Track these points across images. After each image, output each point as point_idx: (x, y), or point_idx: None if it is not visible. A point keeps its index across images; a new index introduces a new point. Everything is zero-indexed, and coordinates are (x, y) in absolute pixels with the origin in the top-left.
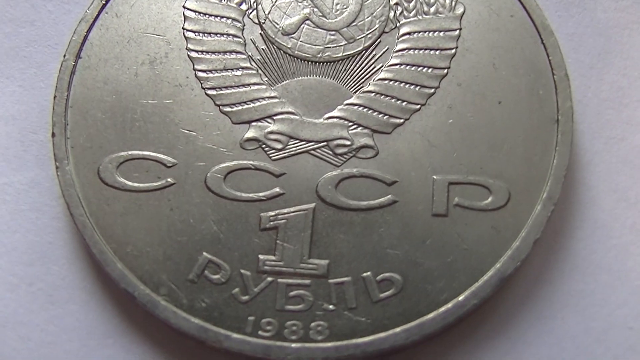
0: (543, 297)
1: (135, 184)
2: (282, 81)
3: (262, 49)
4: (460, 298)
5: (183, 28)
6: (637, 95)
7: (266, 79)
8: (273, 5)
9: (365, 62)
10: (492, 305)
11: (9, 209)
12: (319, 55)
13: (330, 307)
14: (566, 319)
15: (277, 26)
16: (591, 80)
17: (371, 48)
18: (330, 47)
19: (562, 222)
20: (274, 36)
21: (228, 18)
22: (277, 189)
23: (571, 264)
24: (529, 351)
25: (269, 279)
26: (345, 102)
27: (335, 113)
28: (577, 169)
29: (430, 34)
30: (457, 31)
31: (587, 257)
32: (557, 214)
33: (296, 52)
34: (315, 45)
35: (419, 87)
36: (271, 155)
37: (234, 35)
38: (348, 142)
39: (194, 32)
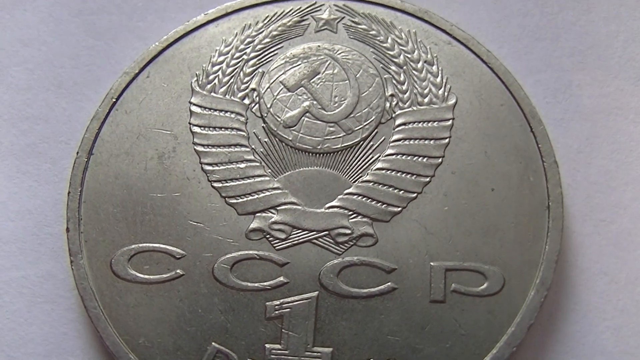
0: None
1: (146, 276)
2: (285, 172)
3: (265, 141)
4: None
5: (189, 123)
6: (624, 178)
7: (269, 170)
8: (274, 99)
9: (363, 152)
10: None
11: (25, 302)
12: (318, 147)
13: None
14: None
15: (279, 119)
16: (580, 164)
17: (368, 139)
18: (329, 138)
19: (555, 305)
20: (275, 129)
21: (232, 112)
22: (281, 278)
23: (565, 346)
24: None
25: None
26: (345, 191)
27: (335, 203)
28: (568, 252)
29: (425, 124)
30: (450, 121)
31: (580, 339)
32: (551, 298)
33: (297, 144)
34: (315, 137)
35: (415, 176)
36: (275, 245)
37: (238, 129)
38: (348, 231)
39: (200, 126)
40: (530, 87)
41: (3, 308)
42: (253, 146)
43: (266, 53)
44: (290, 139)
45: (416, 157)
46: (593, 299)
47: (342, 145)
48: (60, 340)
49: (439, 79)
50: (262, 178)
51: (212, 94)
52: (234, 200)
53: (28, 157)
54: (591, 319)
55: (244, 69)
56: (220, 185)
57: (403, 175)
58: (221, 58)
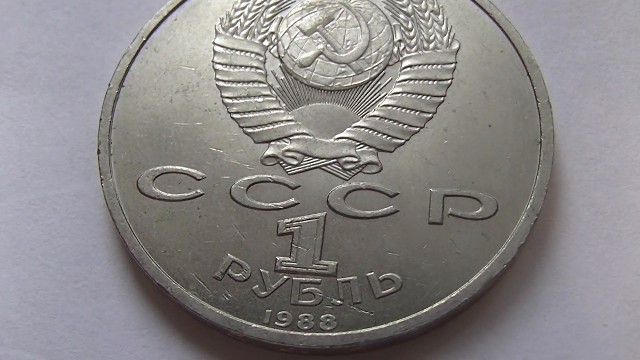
0: (528, 298)
1: (169, 194)
2: (298, 107)
3: (281, 79)
4: (453, 295)
5: (212, 61)
6: (613, 122)
7: (284, 104)
8: (291, 42)
9: (372, 90)
10: (482, 304)
11: (59, 217)
12: (330, 85)
13: (338, 302)
14: (548, 317)
15: (295, 60)
16: (572, 108)
17: (377, 79)
18: (340, 77)
19: (545, 232)
20: (291, 68)
21: (252, 52)
22: (292, 199)
23: (553, 269)
24: (515, 345)
25: (285, 277)
26: (354, 124)
27: (344, 134)
28: (559, 186)
29: (429, 66)
30: (453, 64)
31: (567, 263)
32: (541, 225)
33: (311, 82)
34: (327, 76)
35: (418, 112)
36: (288, 170)
37: (257, 68)
38: (355, 159)
39: (222, 64)
40: (529, 38)
41: (39, 222)
42: (270, 83)
43: (285, 0)
44: (304, 77)
45: (420, 96)
46: (579, 228)
47: (352, 83)
48: (89, 251)
49: (444, 27)
50: (278, 111)
51: (234, 36)
52: (250, 130)
53: (64, 91)
54: (577, 245)
55: (264, 14)
56: (239, 116)
57: (407, 111)
58: (243, 4)
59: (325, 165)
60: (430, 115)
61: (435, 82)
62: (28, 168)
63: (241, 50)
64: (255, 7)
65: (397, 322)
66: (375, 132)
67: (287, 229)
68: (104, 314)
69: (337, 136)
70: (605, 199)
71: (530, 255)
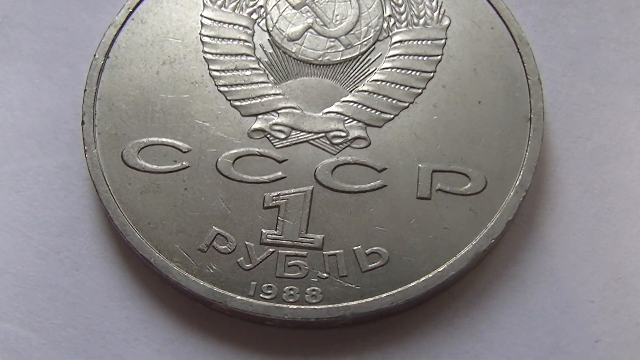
0: (515, 274)
1: (154, 166)
2: (286, 80)
3: (270, 52)
4: (440, 269)
5: (200, 33)
6: (603, 100)
7: (272, 78)
8: (280, 15)
9: (361, 65)
10: (469, 280)
11: (42, 189)
12: (319, 59)
13: (324, 275)
14: (535, 293)
15: (283, 33)
16: (562, 86)
17: (366, 53)
18: (329, 52)
19: (533, 209)
20: (280, 42)
21: (240, 26)
22: (279, 173)
23: (541, 245)
24: (502, 320)
25: (270, 249)
26: (342, 99)
27: (333, 108)
28: (548, 163)
29: (419, 42)
30: (443, 40)
31: (555, 239)
32: (529, 202)
33: (299, 55)
34: (316, 50)
35: (407, 87)
36: (275, 144)
37: (245, 41)
38: (344, 134)
39: (210, 37)
40: (520, 16)
41: (21, 193)
42: (258, 56)
43: None
44: (293, 50)
45: (410, 71)
46: (568, 205)
47: (342, 58)
48: (72, 223)
49: (434, 3)
50: (265, 84)
51: (222, 8)
52: (238, 103)
53: (48, 62)
54: (565, 222)
55: None
56: (226, 89)
57: (397, 86)
58: None
59: (313, 139)
60: (419, 90)
61: (425, 58)
62: (10, 139)
63: (229, 23)
64: None
65: (384, 295)
66: (364, 107)
67: (274, 202)
68: (86, 286)
69: (325, 110)
70: (594, 177)
71: (518, 232)
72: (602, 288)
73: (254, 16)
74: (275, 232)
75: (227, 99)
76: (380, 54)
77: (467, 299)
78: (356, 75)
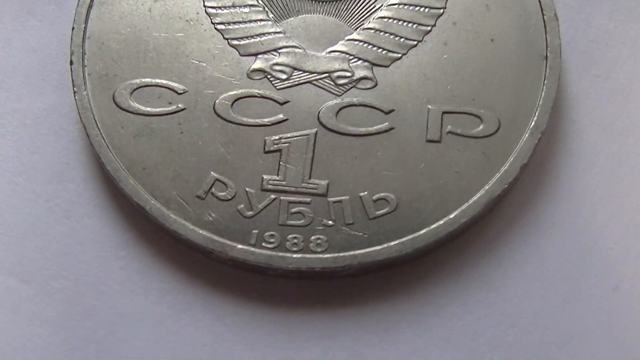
0: (529, 220)
1: (148, 109)
2: (287, 18)
3: None
4: (451, 216)
5: None
6: (622, 38)
7: (272, 15)
8: None
9: (366, 1)
10: (481, 227)
11: (29, 133)
12: None
13: (329, 222)
14: (550, 240)
15: None
16: (579, 23)
17: None
18: None
19: (549, 151)
20: None
21: None
22: (281, 116)
23: (556, 190)
24: (515, 269)
25: (272, 196)
26: (347, 37)
27: (337, 47)
28: (564, 104)
29: None
30: None
31: (571, 183)
32: (545, 144)
33: None
34: None
35: (416, 25)
36: (276, 85)
37: None
38: (349, 74)
39: None
40: None
41: (6, 137)
42: None
43: None
44: None
45: (418, 7)
46: (585, 147)
47: None
48: (62, 169)
49: None
50: (265, 22)
51: None
52: (236, 42)
53: None
54: (582, 165)
55: None
56: (223, 27)
57: (404, 23)
58: None
59: (316, 80)
60: (428, 28)
61: None
62: None
63: None
64: None
65: (392, 243)
66: (370, 46)
67: (275, 146)
68: (78, 235)
69: (329, 49)
70: (613, 118)
71: (532, 176)
72: (620, 234)
73: None
74: (277, 178)
75: (224, 37)
76: None
77: (479, 247)
78: (361, 12)
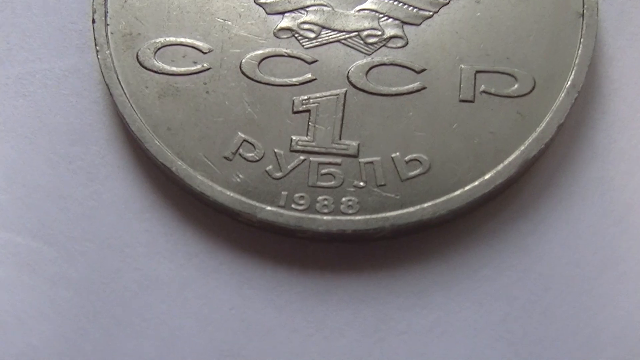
0: (565, 183)
1: (173, 68)
2: None
3: None
4: (486, 177)
5: None
6: None
7: None
8: None
9: None
10: (515, 189)
11: (50, 93)
12: None
13: (361, 184)
14: (586, 203)
15: None
16: None
17: None
18: None
19: (585, 111)
20: None
21: None
22: (309, 75)
23: (592, 152)
24: (551, 233)
25: (302, 157)
26: None
27: (366, 5)
28: (600, 63)
29: None
30: None
31: (607, 145)
32: (581, 104)
33: None
34: None
35: None
36: (304, 43)
37: None
38: (378, 32)
39: None
40: None
41: (27, 98)
42: None
43: None
44: None
45: None
46: (622, 108)
47: None
48: (84, 131)
49: None
50: None
51: None
52: (262, 0)
53: None
54: (619, 126)
55: None
56: None
57: None
58: None
59: (345, 38)
60: None
61: None
62: (14, 40)
63: None
64: None
65: (425, 205)
66: (401, 4)
67: (304, 106)
68: (102, 197)
69: (358, 8)
70: None
71: (568, 137)
72: None
73: None
74: (307, 139)
75: None
76: None
77: (513, 210)
78: None
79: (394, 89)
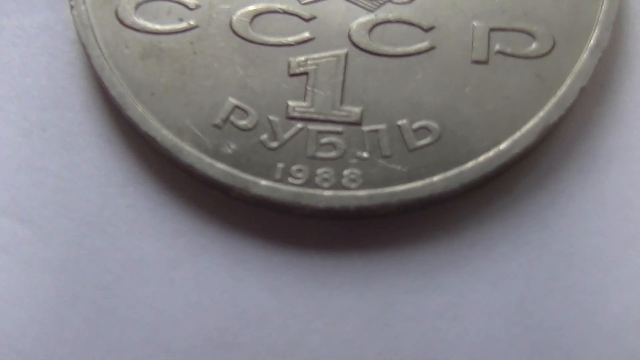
0: (587, 151)
1: (156, 26)
2: None
3: None
4: (502, 146)
5: None
6: None
7: None
8: None
9: None
10: (534, 158)
11: (19, 52)
12: None
13: (364, 154)
14: (610, 173)
15: None
16: None
17: None
18: None
19: (608, 73)
20: None
21: None
22: (306, 34)
23: (617, 117)
24: (572, 204)
25: (299, 125)
26: None
27: None
28: (626, 20)
29: None
30: None
31: (633, 109)
32: (604, 65)
33: None
34: None
35: None
36: None
37: None
38: None
39: None
40: None
41: None
42: None
43: None
44: None
45: None
46: None
47: None
48: (58, 94)
49: None
50: None
51: None
52: None
53: None
54: None
55: None
56: None
57: None
58: None
59: None
60: None
61: None
62: None
63: None
64: None
65: (436, 178)
66: None
67: (301, 68)
68: (79, 169)
69: None
70: None
71: (591, 101)
72: None
73: None
74: (304, 104)
75: None
76: None
77: (531, 181)
78: None
79: (399, 49)
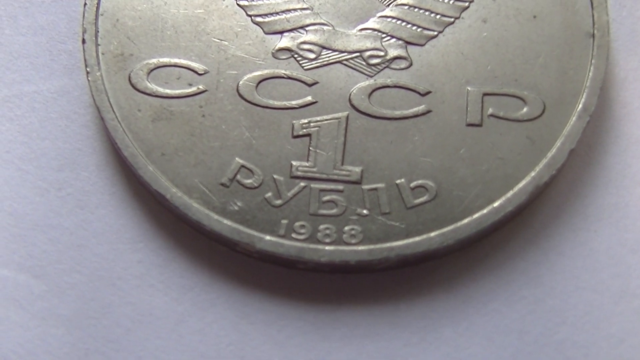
0: (577, 210)
1: (167, 91)
2: None
3: None
4: (495, 204)
5: None
6: None
7: None
8: None
9: None
10: (526, 217)
11: (38, 117)
12: None
13: (364, 212)
14: (600, 231)
15: None
16: (626, 0)
17: None
18: None
19: (597, 136)
20: None
21: None
22: (309, 98)
23: (606, 178)
24: (563, 262)
25: (302, 184)
26: (379, 14)
27: (368, 25)
28: (612, 86)
29: None
30: None
31: (621, 170)
32: (592, 128)
33: None
34: None
35: (453, 0)
36: (303, 65)
37: None
38: (381, 53)
39: None
40: None
41: (14, 122)
42: None
43: None
44: None
45: None
46: (635, 132)
47: None
48: (74, 156)
49: None
50: None
51: None
52: (260, 19)
53: None
54: (632, 151)
55: None
56: (246, 3)
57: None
58: None
59: (346, 59)
60: (467, 4)
61: None
62: (1, 61)
63: None
64: None
65: (432, 234)
66: (404, 23)
67: (304, 130)
68: (93, 226)
69: (360, 27)
70: None
71: (580, 162)
72: None
73: None
74: (307, 164)
75: (247, 14)
76: None
77: (524, 238)
78: None
79: (398, 113)
